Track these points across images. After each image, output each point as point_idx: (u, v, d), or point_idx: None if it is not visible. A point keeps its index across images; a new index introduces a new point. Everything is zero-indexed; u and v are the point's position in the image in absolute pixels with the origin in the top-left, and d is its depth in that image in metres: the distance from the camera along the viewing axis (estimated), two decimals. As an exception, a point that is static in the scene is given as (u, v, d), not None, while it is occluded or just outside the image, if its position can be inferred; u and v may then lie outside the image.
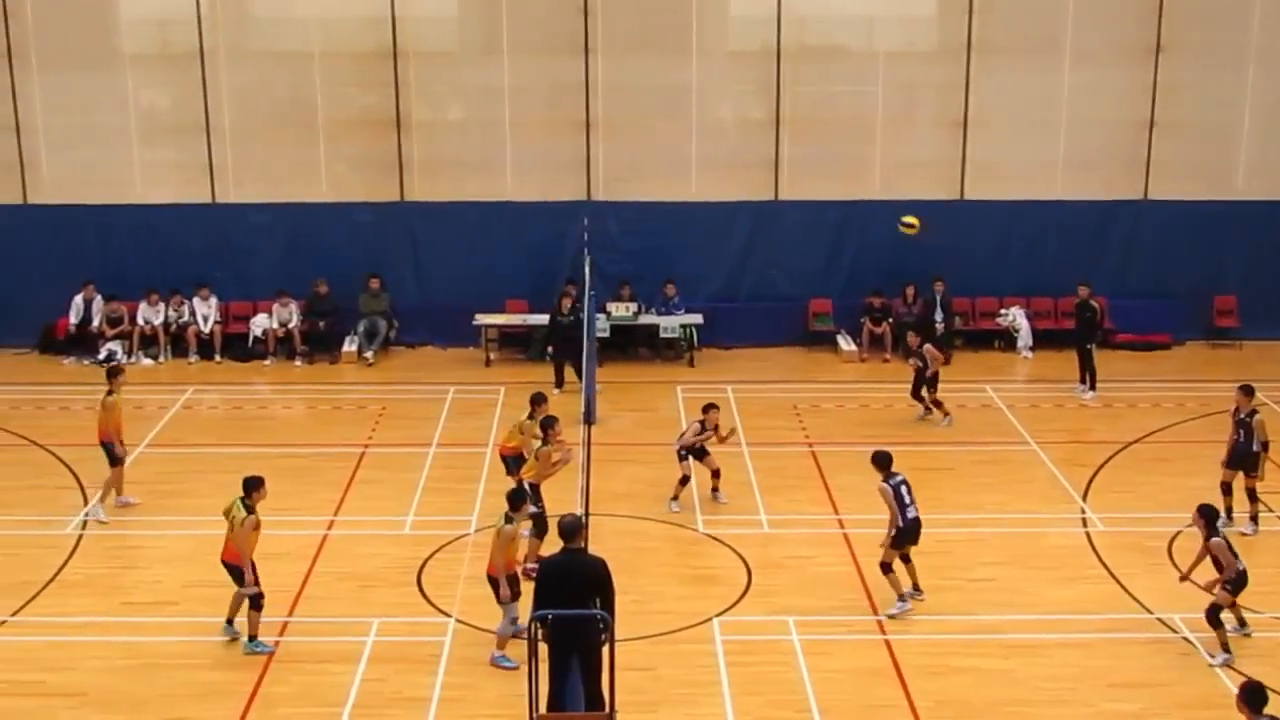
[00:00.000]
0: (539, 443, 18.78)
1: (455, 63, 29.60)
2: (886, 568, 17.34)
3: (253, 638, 16.45)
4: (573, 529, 14.12)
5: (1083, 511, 20.69)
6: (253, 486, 16.54)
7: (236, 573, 16.41)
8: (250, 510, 16.40)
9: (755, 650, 16.53)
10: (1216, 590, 16.30)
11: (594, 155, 28.72)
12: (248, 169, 28.88)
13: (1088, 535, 19.88)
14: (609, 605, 13.79)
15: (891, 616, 17.18)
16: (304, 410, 25.88)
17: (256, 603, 16.39)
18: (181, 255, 28.71)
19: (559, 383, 26.19)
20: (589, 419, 23.26)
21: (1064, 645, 16.65)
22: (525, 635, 14.39)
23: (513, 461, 19.71)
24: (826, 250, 29.10)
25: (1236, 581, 16.26)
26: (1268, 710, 12.40)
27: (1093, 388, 25.79)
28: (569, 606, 13.67)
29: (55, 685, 15.73)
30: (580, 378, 25.94)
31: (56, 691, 15.56)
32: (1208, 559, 16.50)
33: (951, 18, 28.61)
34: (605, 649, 13.50)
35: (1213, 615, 16.25)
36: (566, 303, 26.90)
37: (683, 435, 20.85)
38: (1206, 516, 16.45)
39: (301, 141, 28.78)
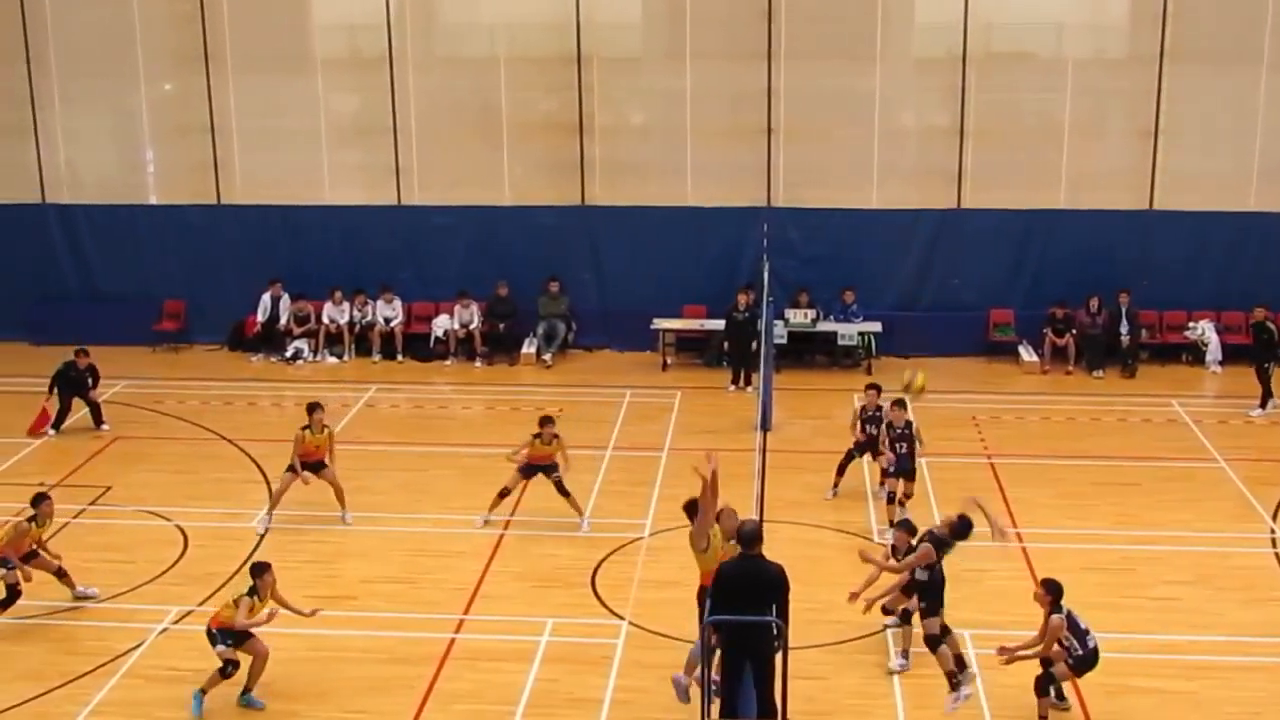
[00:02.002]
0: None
1: (638, 68, 29.75)
2: (937, 641, 15.37)
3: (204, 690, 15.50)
4: (753, 535, 14.02)
5: (1272, 531, 20.08)
6: (257, 573, 15.68)
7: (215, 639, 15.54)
8: (252, 593, 15.52)
9: (929, 662, 16.27)
10: (1058, 665, 14.77)
11: (775, 161, 28.64)
12: (432, 172, 29.38)
13: (1277, 556, 19.29)
14: (784, 612, 13.71)
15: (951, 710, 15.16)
16: (483, 410, 26.20)
17: (226, 671, 15.47)
18: (367, 255, 29.36)
19: (735, 380, 26.31)
20: (765, 425, 23.16)
21: (1251, 669, 16.18)
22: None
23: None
24: (1009, 260, 28.68)
25: (1084, 660, 14.71)
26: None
27: (1262, 405, 25.14)
28: (746, 612, 13.59)
29: (238, 675, 16.06)
30: (749, 382, 25.97)
31: (239, 681, 15.85)
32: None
33: (1144, 24, 27.94)
34: (778, 656, 13.44)
35: (1043, 684, 14.89)
36: (742, 300, 26.90)
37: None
38: (1051, 592, 14.70)
39: (485, 145, 29.20)
